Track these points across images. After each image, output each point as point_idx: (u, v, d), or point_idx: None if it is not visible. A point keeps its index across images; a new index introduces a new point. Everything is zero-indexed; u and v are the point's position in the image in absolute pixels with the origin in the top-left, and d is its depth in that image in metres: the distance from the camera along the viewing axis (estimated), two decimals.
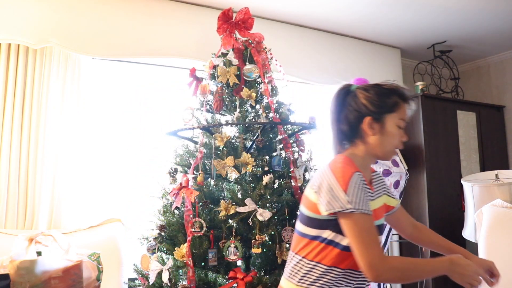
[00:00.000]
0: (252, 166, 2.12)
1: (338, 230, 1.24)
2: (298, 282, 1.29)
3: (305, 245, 1.30)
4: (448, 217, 3.86)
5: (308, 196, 1.32)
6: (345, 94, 1.39)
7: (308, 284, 1.27)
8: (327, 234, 1.26)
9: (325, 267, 1.26)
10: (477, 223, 2.94)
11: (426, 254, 3.64)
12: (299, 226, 1.35)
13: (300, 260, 1.30)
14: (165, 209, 2.26)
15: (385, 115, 1.32)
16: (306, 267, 1.28)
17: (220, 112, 2.41)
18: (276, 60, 2.56)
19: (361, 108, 1.33)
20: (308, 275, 1.28)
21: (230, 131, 2.37)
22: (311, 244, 1.28)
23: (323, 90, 3.86)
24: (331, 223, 1.25)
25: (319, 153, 3.08)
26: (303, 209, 1.34)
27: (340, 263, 1.26)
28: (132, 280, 2.40)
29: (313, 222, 1.29)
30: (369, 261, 1.15)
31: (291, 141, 2.36)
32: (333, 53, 3.78)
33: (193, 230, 2.04)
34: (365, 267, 1.16)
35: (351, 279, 1.29)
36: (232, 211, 2.03)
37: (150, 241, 2.23)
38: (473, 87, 4.90)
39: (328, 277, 1.26)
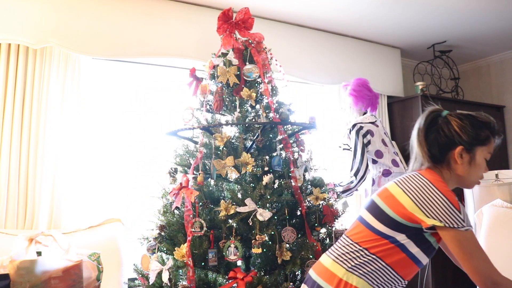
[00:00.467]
0: (252, 166, 2.12)
1: (414, 238, 1.28)
2: (350, 268, 1.31)
3: (374, 240, 1.32)
4: None
5: (398, 198, 1.32)
6: (436, 116, 1.45)
7: (359, 274, 1.30)
8: (402, 238, 1.29)
9: (383, 264, 1.29)
10: (477, 223, 2.94)
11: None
12: (373, 221, 1.34)
13: (361, 250, 1.33)
14: (165, 209, 2.26)
15: (476, 147, 1.37)
16: (364, 257, 1.31)
17: (220, 112, 2.41)
18: (276, 60, 2.56)
19: (454, 136, 1.38)
20: (363, 265, 1.30)
21: (230, 131, 2.37)
22: (380, 241, 1.31)
23: (323, 90, 3.86)
24: (411, 229, 1.28)
25: (319, 153, 3.08)
26: (385, 208, 1.33)
27: (398, 267, 1.30)
28: (132, 280, 2.39)
29: (393, 224, 1.30)
30: (493, 279, 1.21)
31: (291, 141, 2.36)
32: (333, 53, 3.78)
33: (193, 230, 2.04)
34: (487, 284, 1.21)
35: (395, 285, 1.33)
36: (232, 211, 2.03)
37: (150, 241, 2.23)
38: (473, 87, 4.90)
39: (380, 273, 1.30)
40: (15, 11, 2.54)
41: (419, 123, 1.45)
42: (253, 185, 2.14)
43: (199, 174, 2.17)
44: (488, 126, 1.40)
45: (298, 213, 2.24)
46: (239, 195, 2.16)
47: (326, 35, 3.78)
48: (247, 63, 2.37)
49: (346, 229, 2.25)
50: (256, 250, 2.00)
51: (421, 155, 1.40)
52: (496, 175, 3.32)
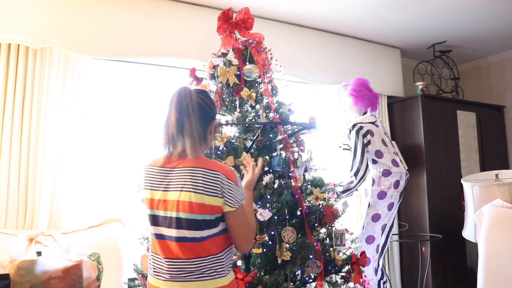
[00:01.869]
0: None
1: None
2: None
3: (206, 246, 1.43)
4: (448, 217, 3.86)
5: (204, 202, 1.44)
6: (190, 94, 1.46)
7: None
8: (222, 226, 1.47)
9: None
10: (477, 223, 2.94)
11: (427, 255, 3.64)
12: (194, 233, 1.43)
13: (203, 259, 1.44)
14: None
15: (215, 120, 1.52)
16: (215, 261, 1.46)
17: (220, 112, 2.41)
18: (276, 60, 2.56)
19: (212, 111, 1.50)
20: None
21: (230, 131, 2.37)
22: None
23: (323, 90, 3.86)
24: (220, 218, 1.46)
25: (319, 153, 3.08)
26: (199, 217, 1.42)
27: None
28: (132, 280, 2.39)
29: (211, 223, 1.43)
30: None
31: (291, 141, 2.36)
32: (333, 53, 3.78)
33: None
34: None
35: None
36: None
37: (150, 241, 2.23)
38: (473, 87, 4.90)
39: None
40: (15, 11, 2.54)
41: (186, 103, 1.40)
42: None
43: None
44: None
45: (298, 213, 2.24)
46: None
47: (326, 35, 3.78)
48: (247, 63, 2.37)
49: (346, 229, 2.26)
50: (256, 250, 2.01)
51: (195, 137, 1.38)
52: (496, 175, 3.32)
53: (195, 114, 1.39)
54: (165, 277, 1.40)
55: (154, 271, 1.45)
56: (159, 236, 1.42)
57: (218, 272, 1.40)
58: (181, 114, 1.39)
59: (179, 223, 1.36)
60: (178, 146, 1.41)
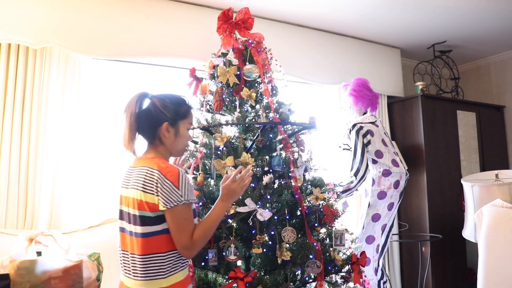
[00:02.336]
0: (252, 166, 2.12)
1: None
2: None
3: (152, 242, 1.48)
4: (448, 217, 3.86)
5: (142, 199, 1.50)
6: (143, 99, 1.57)
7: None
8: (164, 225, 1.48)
9: (166, 253, 1.47)
10: (477, 223, 2.94)
11: (427, 255, 3.64)
12: (141, 228, 1.49)
13: (143, 257, 1.48)
14: None
15: (179, 121, 1.57)
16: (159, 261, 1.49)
17: (220, 112, 2.41)
18: (276, 60, 2.56)
19: (159, 114, 1.55)
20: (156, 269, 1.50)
21: (230, 131, 2.37)
22: (157, 239, 1.48)
23: (323, 90, 3.86)
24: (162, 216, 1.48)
25: (319, 153, 3.08)
26: (142, 213, 1.49)
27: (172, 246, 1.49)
28: None
29: (156, 220, 1.48)
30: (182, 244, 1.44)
31: (291, 141, 2.36)
32: (333, 53, 3.78)
33: None
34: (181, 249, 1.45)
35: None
36: (232, 211, 2.03)
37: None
38: (473, 87, 4.90)
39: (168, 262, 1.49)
40: (15, 11, 2.54)
41: (131, 107, 1.54)
42: (253, 185, 2.14)
43: (199, 174, 2.17)
44: (185, 102, 1.61)
45: (298, 213, 2.24)
46: None
47: (326, 35, 3.78)
48: (247, 63, 2.37)
49: (346, 229, 2.26)
50: (256, 250, 2.01)
51: (129, 135, 1.53)
52: (496, 175, 3.32)
53: (141, 121, 1.54)
54: (121, 269, 1.53)
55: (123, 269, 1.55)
56: (121, 229, 1.55)
57: (159, 272, 1.44)
58: (126, 120, 1.54)
59: (130, 218, 1.49)
60: (128, 149, 1.57)
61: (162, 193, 1.42)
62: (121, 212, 1.56)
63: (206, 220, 1.52)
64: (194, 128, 2.26)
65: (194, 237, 1.46)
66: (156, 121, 1.54)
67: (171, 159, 1.89)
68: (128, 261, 1.49)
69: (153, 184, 1.44)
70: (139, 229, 1.46)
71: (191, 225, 1.47)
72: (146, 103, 1.57)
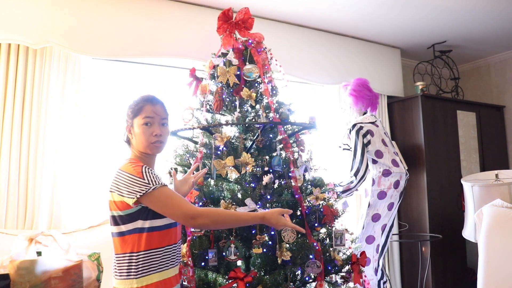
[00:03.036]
0: (252, 166, 2.12)
1: (144, 216, 1.49)
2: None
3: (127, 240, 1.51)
4: (448, 217, 3.86)
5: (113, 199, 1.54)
6: None
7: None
8: (140, 223, 1.50)
9: (143, 251, 1.49)
10: (477, 223, 2.94)
11: (427, 255, 3.64)
12: (117, 228, 1.54)
13: (123, 256, 1.51)
14: None
15: (133, 120, 1.59)
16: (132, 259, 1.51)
17: (220, 112, 2.41)
18: (276, 60, 2.56)
19: (125, 119, 1.63)
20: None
21: (230, 131, 2.37)
22: (132, 237, 1.50)
23: (323, 90, 3.86)
24: (137, 212, 1.49)
25: (319, 153, 3.08)
26: (114, 213, 1.54)
27: (152, 244, 1.49)
28: None
29: (126, 219, 1.51)
30: (189, 215, 1.44)
31: (291, 141, 2.36)
32: (333, 53, 3.78)
33: (193, 230, 2.04)
34: (187, 221, 1.45)
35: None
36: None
37: None
38: (473, 87, 4.90)
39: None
40: (15, 11, 2.54)
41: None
42: (253, 185, 2.14)
43: None
44: (139, 100, 1.61)
45: (298, 213, 2.24)
46: (239, 195, 2.16)
47: (326, 35, 3.78)
48: (247, 63, 2.37)
49: (346, 229, 2.26)
50: (256, 250, 2.01)
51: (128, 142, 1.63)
52: (496, 175, 3.32)
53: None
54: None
55: None
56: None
57: (131, 272, 1.46)
58: None
59: (110, 220, 1.54)
60: None
61: (125, 188, 1.45)
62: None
63: (228, 211, 1.55)
64: (194, 128, 2.26)
65: (205, 209, 1.48)
66: (125, 126, 1.63)
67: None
68: (114, 261, 1.53)
69: (116, 183, 1.48)
70: (113, 228, 1.51)
71: (178, 198, 1.47)
72: None
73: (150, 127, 1.56)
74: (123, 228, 1.49)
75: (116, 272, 1.51)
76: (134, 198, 1.43)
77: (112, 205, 1.50)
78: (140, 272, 1.46)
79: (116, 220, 1.50)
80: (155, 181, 1.45)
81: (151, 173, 1.47)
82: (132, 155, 1.61)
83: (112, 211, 1.51)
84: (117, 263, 1.50)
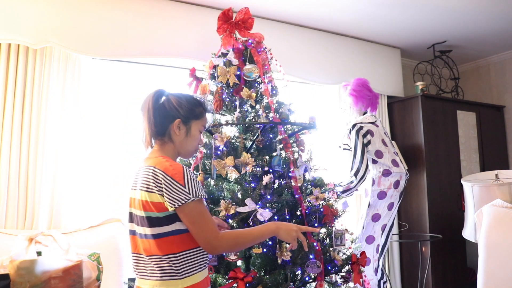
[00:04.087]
0: (252, 166, 2.12)
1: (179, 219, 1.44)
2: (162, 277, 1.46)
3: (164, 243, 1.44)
4: (448, 217, 3.86)
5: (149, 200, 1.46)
6: (160, 96, 1.56)
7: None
8: (177, 225, 1.44)
9: (180, 253, 1.44)
10: (477, 223, 2.94)
11: (427, 255, 3.64)
12: (151, 230, 1.45)
13: (159, 258, 1.44)
14: None
15: (191, 121, 1.55)
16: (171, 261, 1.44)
17: (220, 112, 2.41)
18: (276, 60, 2.56)
19: (172, 110, 1.53)
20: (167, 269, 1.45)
21: (230, 131, 2.37)
22: (170, 239, 1.44)
23: (323, 90, 3.86)
24: (172, 216, 1.43)
25: (319, 153, 3.08)
26: (148, 214, 1.46)
27: (185, 246, 1.45)
28: (132, 280, 2.39)
29: (164, 221, 1.44)
30: (213, 245, 1.41)
31: (291, 141, 2.36)
32: (333, 53, 3.78)
33: None
34: (208, 249, 1.41)
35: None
36: (232, 211, 2.03)
37: None
38: (473, 87, 4.90)
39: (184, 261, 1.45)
40: (15, 11, 2.54)
41: (147, 103, 1.55)
42: (253, 185, 2.14)
43: (199, 174, 2.17)
44: (201, 103, 1.58)
45: (298, 213, 2.24)
46: (239, 195, 2.16)
47: (326, 35, 3.78)
48: (247, 63, 2.37)
49: (346, 229, 2.26)
50: (256, 250, 2.01)
51: (148, 132, 1.54)
52: (496, 175, 3.32)
53: (155, 116, 1.52)
54: (135, 273, 1.51)
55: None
56: (131, 232, 1.52)
57: (174, 273, 1.41)
58: (144, 117, 1.56)
59: (139, 220, 1.46)
60: (148, 147, 1.57)
61: (167, 193, 1.38)
62: (130, 214, 1.52)
63: (246, 229, 1.48)
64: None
65: (224, 235, 1.42)
66: (169, 117, 1.52)
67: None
68: (142, 263, 1.46)
69: (157, 184, 1.40)
70: (148, 230, 1.42)
71: (209, 218, 1.42)
72: (161, 101, 1.56)
73: (200, 136, 1.58)
74: (162, 229, 1.42)
75: (154, 272, 1.43)
76: (174, 205, 1.38)
77: (148, 206, 1.41)
78: (183, 273, 1.42)
79: (151, 222, 1.42)
80: (194, 191, 1.40)
81: (192, 178, 1.42)
82: (165, 152, 1.53)
83: (148, 212, 1.42)
84: (157, 265, 1.42)
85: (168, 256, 1.41)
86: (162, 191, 1.39)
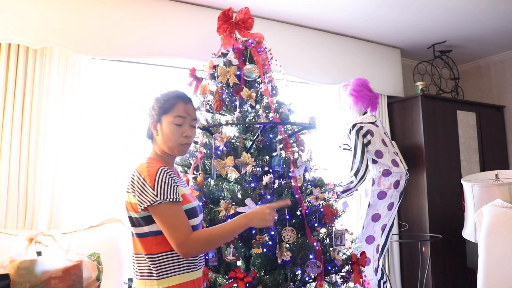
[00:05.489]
0: (252, 166, 2.12)
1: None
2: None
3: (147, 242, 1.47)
4: (448, 217, 3.86)
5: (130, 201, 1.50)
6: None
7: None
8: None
9: (159, 253, 1.45)
10: (477, 223, 2.94)
11: (427, 255, 3.64)
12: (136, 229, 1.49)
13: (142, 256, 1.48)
14: None
15: (162, 117, 1.52)
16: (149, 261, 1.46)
17: (220, 112, 2.41)
18: (276, 60, 2.56)
19: (149, 113, 1.56)
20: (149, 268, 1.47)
21: (230, 131, 2.37)
22: (148, 239, 1.46)
23: (323, 90, 3.86)
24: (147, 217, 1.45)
25: (319, 153, 3.08)
26: (131, 214, 1.50)
27: (165, 247, 1.45)
28: (132, 280, 2.39)
29: (143, 221, 1.47)
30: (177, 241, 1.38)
31: (291, 141, 2.36)
32: (333, 53, 3.78)
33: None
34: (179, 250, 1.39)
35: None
36: (232, 211, 2.03)
37: None
38: (473, 87, 4.90)
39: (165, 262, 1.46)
40: (15, 11, 2.54)
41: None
42: (253, 185, 2.14)
43: (199, 174, 2.17)
44: (173, 95, 1.53)
45: (298, 213, 2.24)
46: (239, 195, 2.16)
47: (326, 35, 3.78)
48: (247, 63, 2.37)
49: (346, 229, 2.26)
50: (256, 250, 2.01)
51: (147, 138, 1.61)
52: (496, 175, 3.32)
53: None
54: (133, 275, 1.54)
55: None
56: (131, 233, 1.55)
57: (151, 273, 1.43)
58: None
59: (128, 221, 1.50)
60: None
61: (137, 194, 1.40)
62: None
63: (216, 227, 1.45)
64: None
65: (194, 236, 1.39)
66: (148, 120, 1.56)
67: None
68: (133, 262, 1.50)
69: (133, 185, 1.43)
70: (132, 229, 1.48)
71: (180, 221, 1.39)
72: None
73: (180, 127, 1.50)
74: (141, 229, 1.45)
75: (136, 272, 1.48)
76: (141, 207, 1.40)
77: (129, 207, 1.46)
78: (160, 274, 1.42)
79: (133, 222, 1.46)
80: (163, 194, 1.38)
81: (165, 181, 1.40)
82: (153, 154, 1.55)
83: (129, 212, 1.46)
84: (137, 264, 1.47)
85: (148, 256, 1.44)
86: (135, 192, 1.41)
